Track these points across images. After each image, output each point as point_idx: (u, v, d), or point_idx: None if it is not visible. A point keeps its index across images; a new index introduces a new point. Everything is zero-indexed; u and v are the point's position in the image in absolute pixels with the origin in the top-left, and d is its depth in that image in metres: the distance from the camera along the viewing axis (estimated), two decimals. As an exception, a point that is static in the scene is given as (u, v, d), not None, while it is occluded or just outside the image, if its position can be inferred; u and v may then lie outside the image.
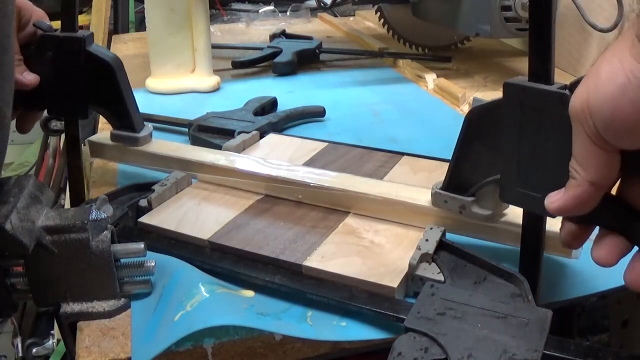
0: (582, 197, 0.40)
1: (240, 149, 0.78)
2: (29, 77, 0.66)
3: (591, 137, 0.38)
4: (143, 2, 1.38)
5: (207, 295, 0.51)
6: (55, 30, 0.68)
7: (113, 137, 0.74)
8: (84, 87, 0.69)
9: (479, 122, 0.52)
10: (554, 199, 0.43)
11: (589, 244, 0.53)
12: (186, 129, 0.86)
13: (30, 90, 0.66)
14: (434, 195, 0.58)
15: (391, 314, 0.49)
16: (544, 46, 0.43)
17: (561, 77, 0.44)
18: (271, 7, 1.75)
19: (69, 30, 0.68)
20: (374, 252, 0.57)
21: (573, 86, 0.41)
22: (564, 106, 0.40)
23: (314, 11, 1.73)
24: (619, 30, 0.98)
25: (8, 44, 0.45)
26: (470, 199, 0.55)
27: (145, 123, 0.75)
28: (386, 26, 1.33)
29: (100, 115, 0.92)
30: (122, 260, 0.52)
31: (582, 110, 0.38)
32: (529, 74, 0.45)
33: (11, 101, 0.49)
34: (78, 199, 0.73)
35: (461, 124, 0.53)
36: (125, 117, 0.72)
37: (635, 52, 0.35)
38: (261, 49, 1.27)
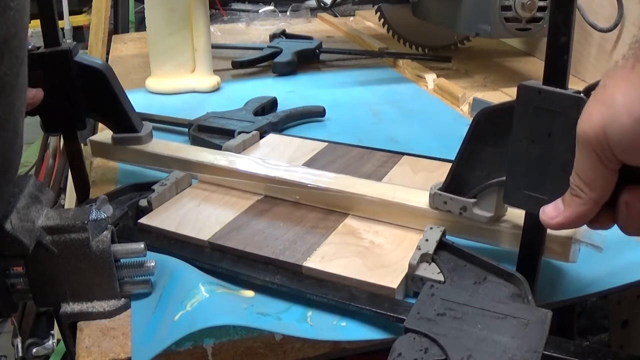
0: (585, 215, 0.42)
1: (240, 149, 0.78)
2: (32, 92, 0.64)
3: (604, 162, 0.39)
4: (143, 2, 1.38)
5: (207, 295, 0.51)
6: (39, 47, 0.66)
7: (115, 141, 0.74)
8: (78, 99, 0.68)
9: (486, 123, 0.52)
10: (552, 215, 0.44)
11: (586, 246, 0.53)
12: (186, 129, 0.86)
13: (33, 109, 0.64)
14: (433, 196, 0.58)
15: (391, 314, 0.49)
16: (562, 52, 0.44)
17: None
18: (271, 7, 1.75)
19: (52, 45, 0.66)
20: (374, 252, 0.57)
21: (588, 91, 0.41)
22: (579, 110, 0.41)
23: (314, 11, 1.73)
24: (619, 30, 0.98)
25: (24, 55, 0.45)
26: (472, 200, 0.55)
27: (143, 122, 0.75)
28: (386, 26, 1.33)
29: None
30: (122, 260, 0.52)
31: (596, 138, 0.38)
32: (544, 78, 0.45)
33: (24, 111, 0.49)
34: (82, 198, 0.73)
35: (461, 123, 0.53)
36: (125, 119, 0.72)
37: None
38: (261, 49, 1.27)
